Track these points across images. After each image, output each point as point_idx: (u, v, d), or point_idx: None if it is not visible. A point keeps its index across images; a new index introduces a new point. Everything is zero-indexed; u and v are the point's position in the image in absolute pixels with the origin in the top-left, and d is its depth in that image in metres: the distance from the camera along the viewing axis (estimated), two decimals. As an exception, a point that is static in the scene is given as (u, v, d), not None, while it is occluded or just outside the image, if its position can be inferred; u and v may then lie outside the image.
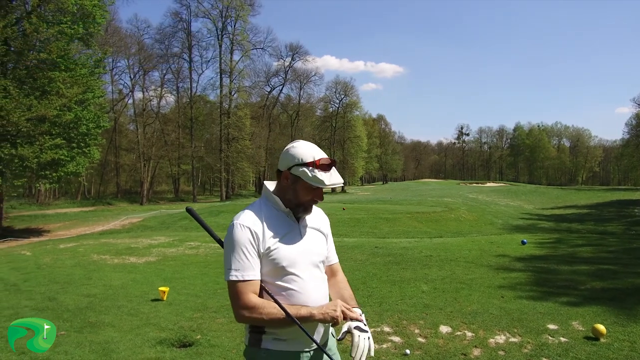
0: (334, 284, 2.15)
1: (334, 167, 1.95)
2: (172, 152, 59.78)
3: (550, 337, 4.74)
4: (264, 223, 1.92)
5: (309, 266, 1.98)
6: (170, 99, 64.50)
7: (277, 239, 1.91)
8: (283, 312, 1.81)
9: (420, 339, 4.84)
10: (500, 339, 4.77)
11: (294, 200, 1.96)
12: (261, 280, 1.90)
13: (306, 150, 1.93)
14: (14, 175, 22.72)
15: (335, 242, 2.28)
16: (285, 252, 1.91)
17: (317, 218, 2.13)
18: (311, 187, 1.93)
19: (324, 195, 2.04)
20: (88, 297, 7.02)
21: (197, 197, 60.27)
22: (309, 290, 1.95)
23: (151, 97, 59.66)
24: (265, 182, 2.06)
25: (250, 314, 1.83)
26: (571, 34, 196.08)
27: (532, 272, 8.15)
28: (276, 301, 1.84)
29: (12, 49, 21.90)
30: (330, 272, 2.17)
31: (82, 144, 23.77)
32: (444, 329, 5.11)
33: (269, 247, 1.89)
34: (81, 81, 22.83)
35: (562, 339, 4.68)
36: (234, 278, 1.85)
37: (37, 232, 25.63)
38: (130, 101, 59.59)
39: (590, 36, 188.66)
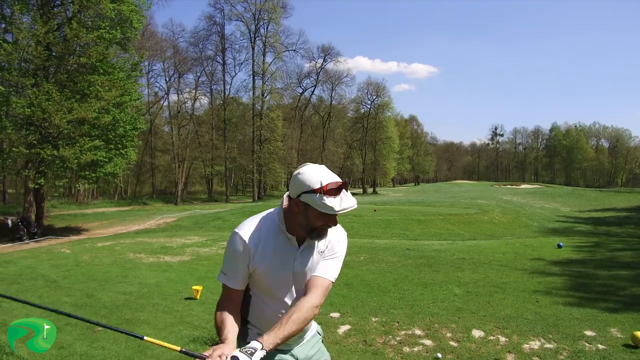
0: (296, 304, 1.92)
1: (344, 190, 1.84)
2: (205, 153, 60.67)
3: (587, 344, 4.62)
4: (262, 242, 1.91)
5: (297, 292, 1.98)
6: (204, 101, 65.84)
7: (268, 262, 1.91)
8: (219, 331, 1.87)
9: (452, 343, 4.79)
10: (535, 344, 4.67)
11: (307, 227, 1.90)
12: (248, 289, 2.01)
13: (313, 175, 1.83)
14: (55, 176, 23.46)
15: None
16: (271, 277, 1.93)
17: (329, 240, 2.02)
18: (322, 213, 1.84)
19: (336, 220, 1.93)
20: (124, 294, 7.22)
21: (229, 197, 61.04)
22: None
23: (186, 100, 60.99)
24: (285, 197, 1.97)
25: (216, 316, 1.93)
26: (608, 31, 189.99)
27: (569, 277, 7.95)
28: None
29: (54, 53, 22.65)
30: (307, 287, 1.96)
31: (120, 146, 24.38)
32: (477, 333, 5.04)
33: (257, 267, 1.91)
34: (119, 84, 23.44)
35: (600, 346, 4.55)
36: (221, 280, 1.97)
37: (76, 231, 26.36)
38: (166, 103, 61.22)
39: (628, 34, 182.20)
